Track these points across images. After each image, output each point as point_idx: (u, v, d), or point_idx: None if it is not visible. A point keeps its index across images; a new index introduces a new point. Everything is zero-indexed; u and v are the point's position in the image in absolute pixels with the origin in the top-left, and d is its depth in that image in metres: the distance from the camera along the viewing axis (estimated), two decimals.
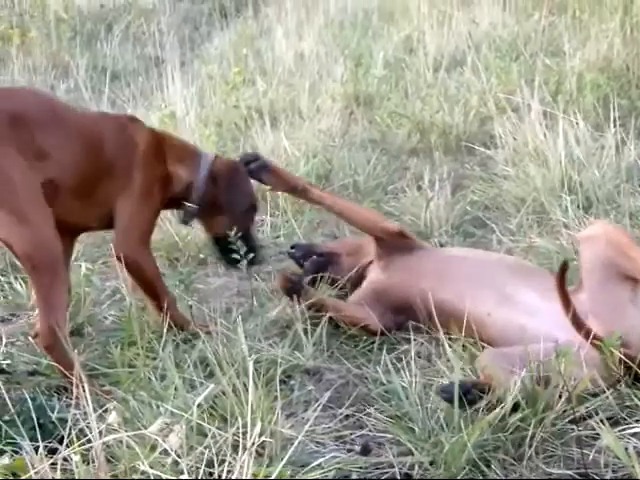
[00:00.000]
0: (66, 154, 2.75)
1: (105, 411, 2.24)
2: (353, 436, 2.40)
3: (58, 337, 2.54)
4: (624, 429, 2.24)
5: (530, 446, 2.22)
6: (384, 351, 2.83)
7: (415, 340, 2.81)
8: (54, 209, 2.65)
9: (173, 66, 5.94)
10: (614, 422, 2.32)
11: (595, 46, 6.20)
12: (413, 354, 2.64)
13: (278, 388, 2.36)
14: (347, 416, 2.51)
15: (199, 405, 2.23)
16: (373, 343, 2.93)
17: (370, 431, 2.42)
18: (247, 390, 2.20)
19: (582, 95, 5.36)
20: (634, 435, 2.20)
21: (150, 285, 2.99)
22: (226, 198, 3.10)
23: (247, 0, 9.16)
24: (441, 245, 3.76)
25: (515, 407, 2.25)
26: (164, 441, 2.01)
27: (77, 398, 2.20)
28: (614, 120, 4.61)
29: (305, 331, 2.87)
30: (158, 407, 2.29)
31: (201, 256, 3.78)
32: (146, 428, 2.11)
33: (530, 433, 2.21)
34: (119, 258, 2.90)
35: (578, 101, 5.27)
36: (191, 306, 3.01)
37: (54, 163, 2.69)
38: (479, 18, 7.98)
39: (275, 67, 6.65)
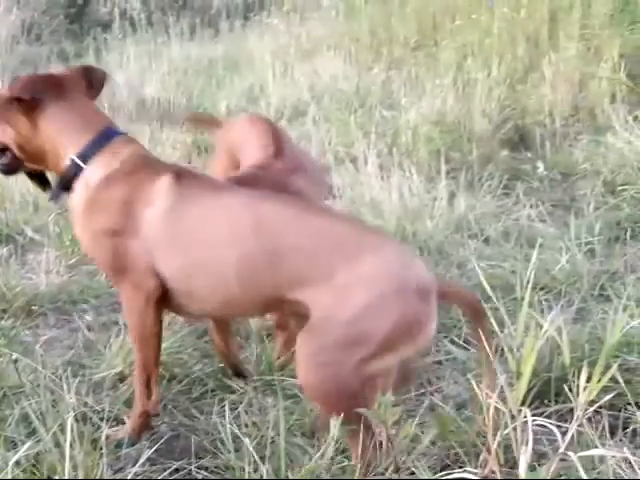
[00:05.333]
0: None
1: None
2: None
3: None
4: (448, 473, 2.29)
5: None
6: (215, 401, 2.82)
7: (241, 391, 2.83)
8: None
9: None
10: (442, 468, 2.38)
11: (430, 101, 6.45)
12: (243, 404, 2.64)
13: (104, 444, 2.30)
14: (177, 469, 2.47)
15: (19, 463, 2.15)
16: (206, 393, 2.91)
17: None
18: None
19: (416, 148, 5.55)
20: None
21: None
22: None
23: (88, 45, 9.06)
24: None
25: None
26: None
27: None
28: (446, 172, 4.81)
29: None
30: None
31: (34, 307, 3.66)
32: None
33: None
34: None
35: (413, 154, 5.46)
36: (15, 360, 2.90)
37: None
38: (321, 70, 8.17)
39: (115, 113, 6.56)
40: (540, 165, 5.45)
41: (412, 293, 2.27)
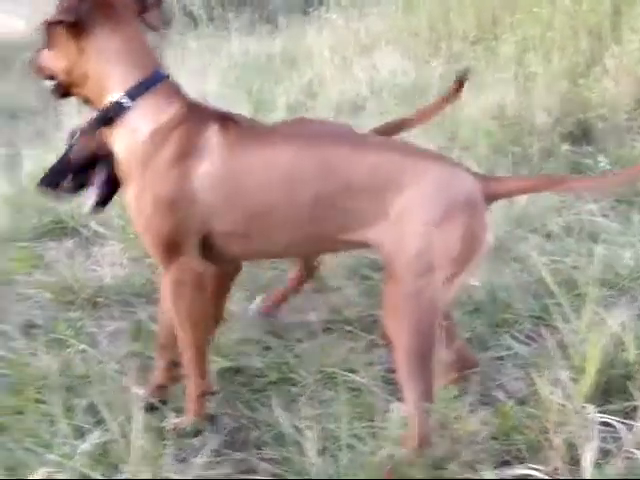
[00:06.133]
0: None
1: None
2: None
3: None
4: (509, 469, 2.28)
5: None
6: (277, 393, 2.84)
7: (303, 384, 2.84)
8: None
9: (71, 104, 5.87)
10: (501, 463, 2.38)
11: (490, 95, 6.39)
12: (304, 397, 2.66)
13: (169, 434, 2.34)
14: (240, 460, 2.50)
15: (88, 452, 2.19)
16: (267, 385, 2.94)
17: (262, 475, 2.42)
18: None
19: (476, 143, 5.51)
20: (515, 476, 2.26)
21: None
22: None
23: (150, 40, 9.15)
24: None
25: None
26: None
27: None
28: (507, 167, 4.77)
29: None
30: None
31: (99, 299, 3.73)
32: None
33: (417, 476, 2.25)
34: None
35: (472, 148, 5.42)
36: (82, 351, 2.96)
37: None
38: (380, 64, 8.15)
39: None
40: (602, 159, 5.37)
41: (462, 209, 2.31)
